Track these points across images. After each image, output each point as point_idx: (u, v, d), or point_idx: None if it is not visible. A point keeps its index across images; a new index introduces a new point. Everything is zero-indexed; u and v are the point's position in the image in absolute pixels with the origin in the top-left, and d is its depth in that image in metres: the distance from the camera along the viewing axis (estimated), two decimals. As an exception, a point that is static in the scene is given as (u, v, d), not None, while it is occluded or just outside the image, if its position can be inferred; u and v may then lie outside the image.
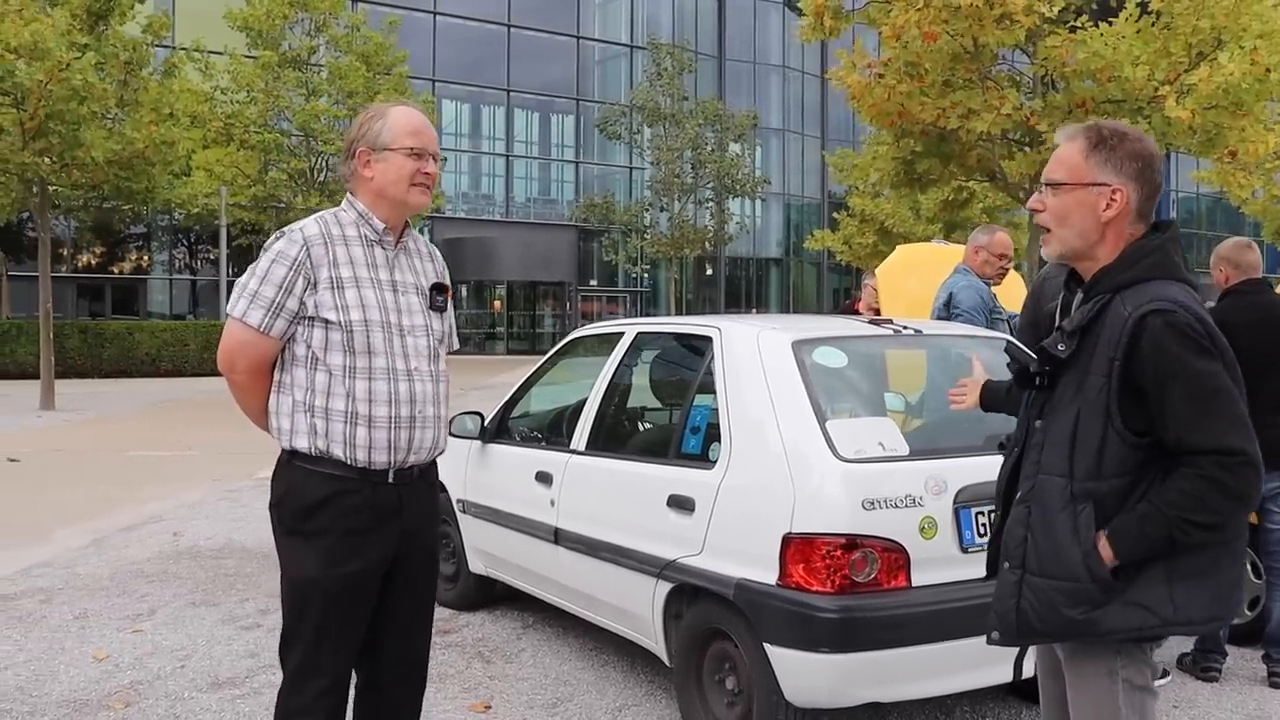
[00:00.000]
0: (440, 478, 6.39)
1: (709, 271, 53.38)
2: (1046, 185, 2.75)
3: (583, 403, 5.51)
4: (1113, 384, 2.55)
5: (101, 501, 10.15)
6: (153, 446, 14.53)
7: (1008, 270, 6.74)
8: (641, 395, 5.88)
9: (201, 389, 24.83)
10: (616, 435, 5.49)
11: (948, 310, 6.31)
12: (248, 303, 3.09)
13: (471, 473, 6.11)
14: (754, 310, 53.58)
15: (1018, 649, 4.00)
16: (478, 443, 6.06)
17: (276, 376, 3.19)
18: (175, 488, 11.03)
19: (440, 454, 3.37)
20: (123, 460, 13.25)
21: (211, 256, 41.43)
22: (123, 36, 19.99)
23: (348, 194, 3.29)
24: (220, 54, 29.97)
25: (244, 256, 40.32)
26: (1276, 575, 5.35)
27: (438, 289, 3.35)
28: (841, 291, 56.39)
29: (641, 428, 5.81)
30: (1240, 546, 2.66)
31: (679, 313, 43.35)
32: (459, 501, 6.20)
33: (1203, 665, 5.36)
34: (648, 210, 44.30)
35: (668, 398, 5.76)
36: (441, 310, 3.36)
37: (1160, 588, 2.56)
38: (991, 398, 3.46)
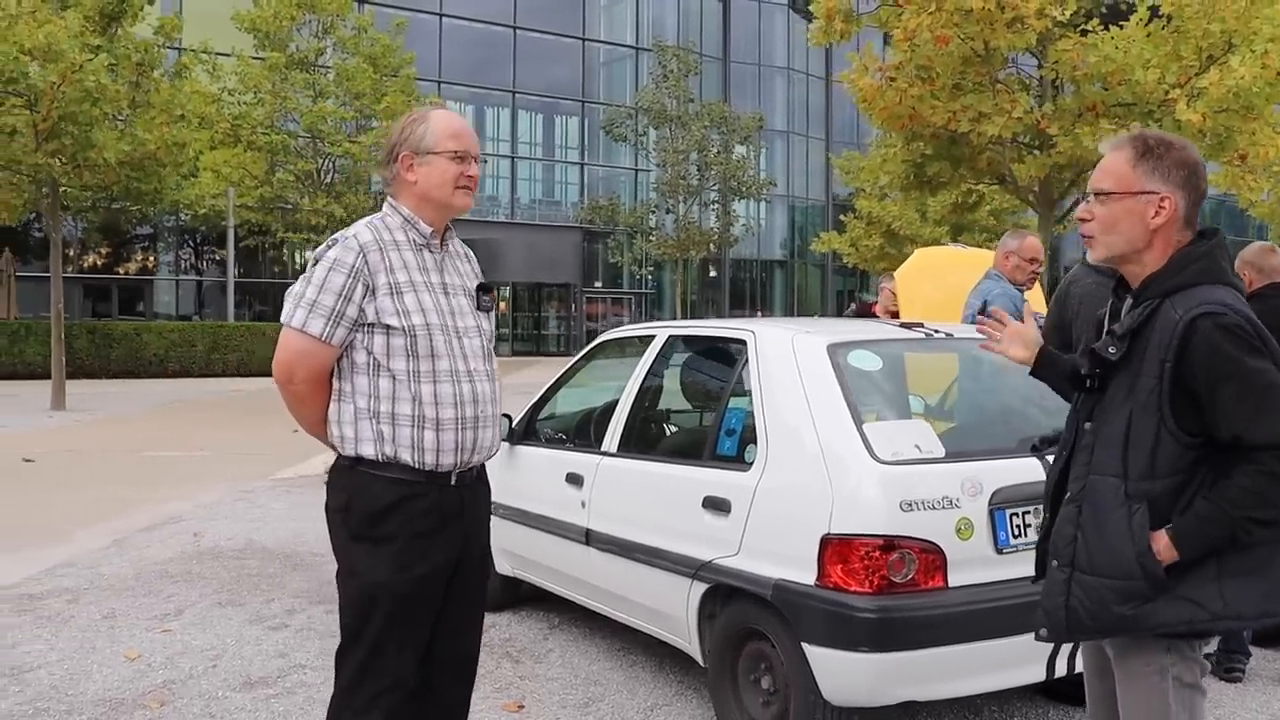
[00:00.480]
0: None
1: (713, 273, 53.42)
2: (1095, 195, 2.80)
3: (613, 405, 5.56)
4: (1164, 385, 2.61)
5: (118, 502, 10.21)
6: (165, 447, 14.59)
7: (1038, 275, 6.79)
8: (673, 398, 5.92)
9: (210, 389, 24.93)
10: (649, 437, 5.54)
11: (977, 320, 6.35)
12: (306, 312, 3.09)
13: (499, 474, 6.11)
14: (760, 312, 53.62)
15: (1051, 649, 4.07)
16: (505, 444, 6.11)
17: (336, 385, 3.19)
18: (191, 488, 11.08)
19: (496, 452, 3.41)
20: (136, 461, 13.29)
21: (217, 257, 41.52)
22: (134, 38, 20.06)
23: (388, 199, 3.30)
24: (228, 55, 30.04)
25: (251, 258, 40.45)
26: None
27: (483, 289, 3.39)
28: (845, 294, 56.38)
29: (674, 430, 5.86)
30: None
31: (683, 315, 43.37)
32: (486, 502, 6.23)
33: (1227, 666, 5.40)
34: (653, 212, 44.33)
35: (700, 401, 5.81)
36: (489, 310, 3.40)
37: (1210, 584, 2.62)
38: (1049, 367, 3.09)
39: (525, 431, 6.09)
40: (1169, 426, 2.61)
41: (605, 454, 5.33)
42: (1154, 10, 15.07)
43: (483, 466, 3.39)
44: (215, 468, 12.65)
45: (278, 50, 30.80)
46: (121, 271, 42.18)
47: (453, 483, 3.21)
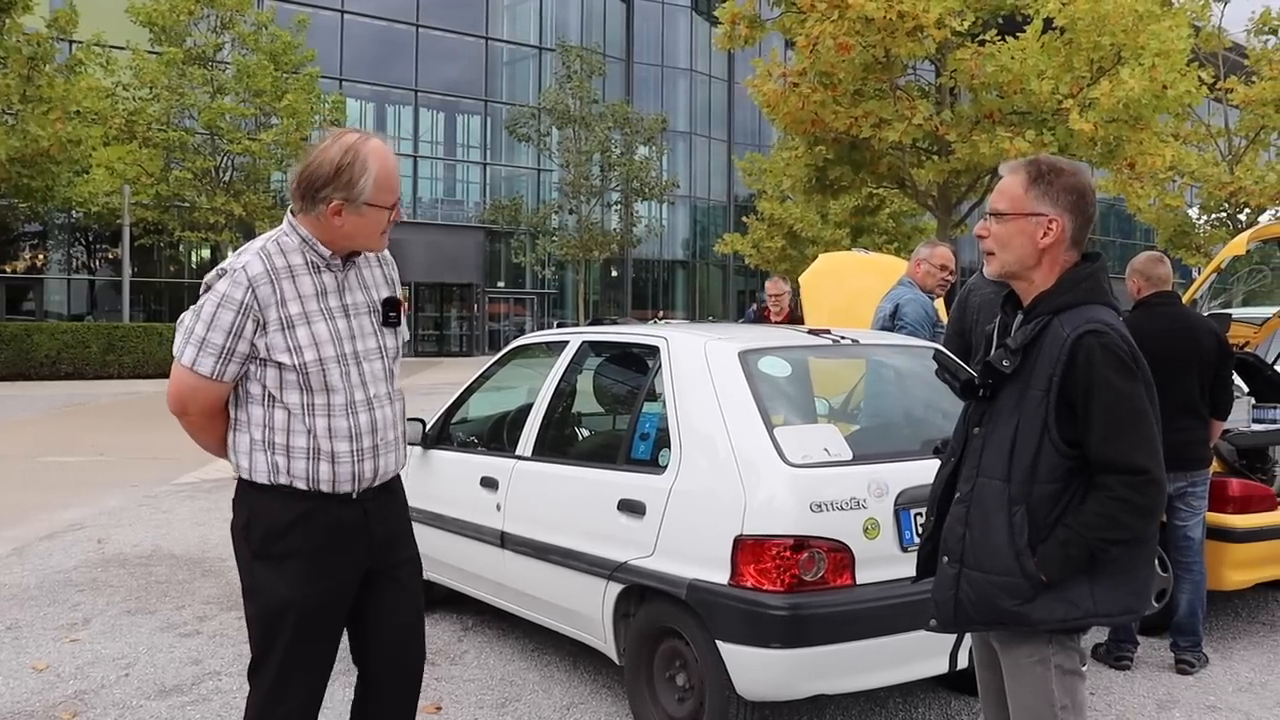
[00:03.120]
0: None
1: (615, 274, 53.56)
2: (991, 214, 2.99)
3: (527, 409, 5.63)
4: (1051, 398, 2.81)
5: (16, 509, 9.99)
6: (62, 452, 14.29)
7: (949, 283, 7.02)
8: (587, 402, 6.02)
9: (106, 392, 24.38)
10: (563, 441, 5.64)
11: (893, 321, 6.56)
12: (196, 350, 3.02)
13: (413, 478, 6.15)
14: (661, 313, 53.83)
15: (953, 643, 4.26)
16: (418, 449, 6.15)
17: (232, 414, 3.15)
18: (92, 494, 10.88)
19: (401, 469, 3.35)
20: (32, 466, 13.00)
21: (111, 256, 40.57)
22: (24, 31, 19.57)
23: (289, 216, 3.14)
24: (123, 49, 29.41)
25: (146, 256, 39.57)
26: (1183, 569, 5.67)
27: (390, 304, 3.28)
28: (747, 294, 56.93)
29: (588, 434, 5.95)
30: (1151, 547, 2.96)
31: (586, 315, 43.42)
32: (399, 506, 6.26)
33: (1116, 654, 5.67)
34: (556, 212, 44.30)
35: (614, 405, 5.91)
36: (395, 326, 3.30)
37: (1082, 585, 2.83)
38: None
39: (439, 436, 6.13)
40: (1051, 436, 2.81)
41: (520, 458, 5.41)
42: (1048, 23, 15.55)
43: (397, 477, 3.35)
44: (116, 473, 12.44)
45: (175, 45, 30.29)
46: (9, 270, 40.95)
47: (354, 498, 3.16)
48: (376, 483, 3.20)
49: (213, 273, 3.08)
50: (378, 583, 3.25)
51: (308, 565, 3.09)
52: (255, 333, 3.01)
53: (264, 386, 3.07)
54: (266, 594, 3.11)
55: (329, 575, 3.13)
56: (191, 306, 3.10)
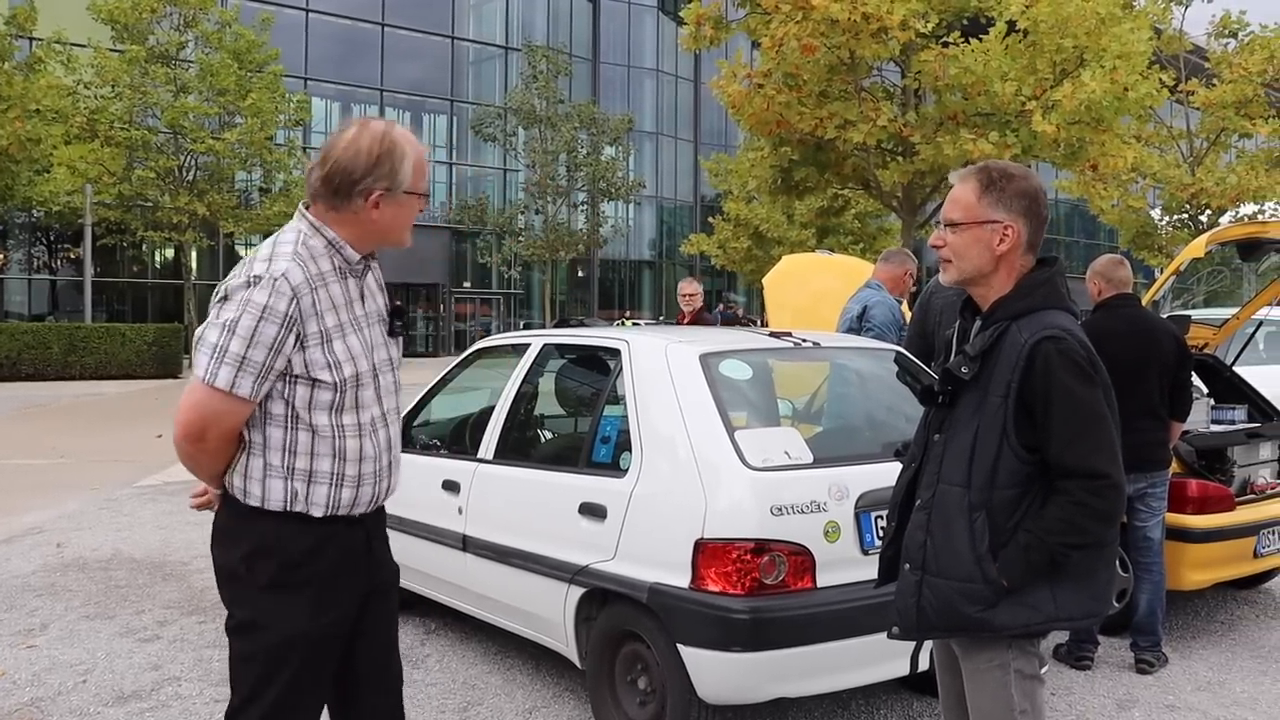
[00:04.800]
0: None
1: (582, 274, 53.51)
2: (946, 224, 2.99)
3: (488, 412, 5.61)
4: (1010, 403, 2.82)
5: (-25, 512, 9.88)
6: (21, 454, 14.12)
7: (914, 288, 7.12)
8: (549, 405, 6.01)
9: (67, 393, 24.13)
10: (525, 445, 5.62)
11: (860, 323, 6.60)
12: (234, 370, 2.69)
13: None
14: (628, 312, 53.83)
15: (914, 646, 4.27)
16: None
17: (245, 435, 2.82)
18: (52, 497, 10.76)
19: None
20: (-8, 468, 12.86)
21: (73, 256, 40.18)
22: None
23: (305, 215, 2.89)
24: (84, 46, 29.12)
25: (109, 256, 39.20)
26: (1143, 569, 5.71)
27: (396, 313, 3.08)
28: (714, 294, 57.04)
29: (550, 437, 5.94)
30: (1112, 550, 2.98)
31: (552, 316, 43.36)
32: (361, 509, 6.23)
33: (1077, 655, 5.70)
34: (522, 213, 44.20)
35: (575, 408, 5.90)
36: (399, 336, 3.09)
37: (1044, 589, 2.85)
38: None
39: (401, 438, 6.09)
40: (1010, 442, 2.82)
41: (482, 461, 5.39)
42: (1011, 25, 15.65)
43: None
44: (76, 475, 12.30)
45: (137, 43, 29.97)
46: (-33, 270, 40.53)
47: (358, 518, 2.96)
48: (384, 501, 3.05)
49: (237, 279, 2.76)
50: (368, 602, 3.05)
51: (319, 594, 2.87)
52: (294, 347, 2.74)
53: (289, 405, 2.79)
54: (275, 628, 2.84)
55: (340, 602, 2.92)
56: (210, 321, 2.77)
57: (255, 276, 2.73)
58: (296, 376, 2.78)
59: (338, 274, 2.87)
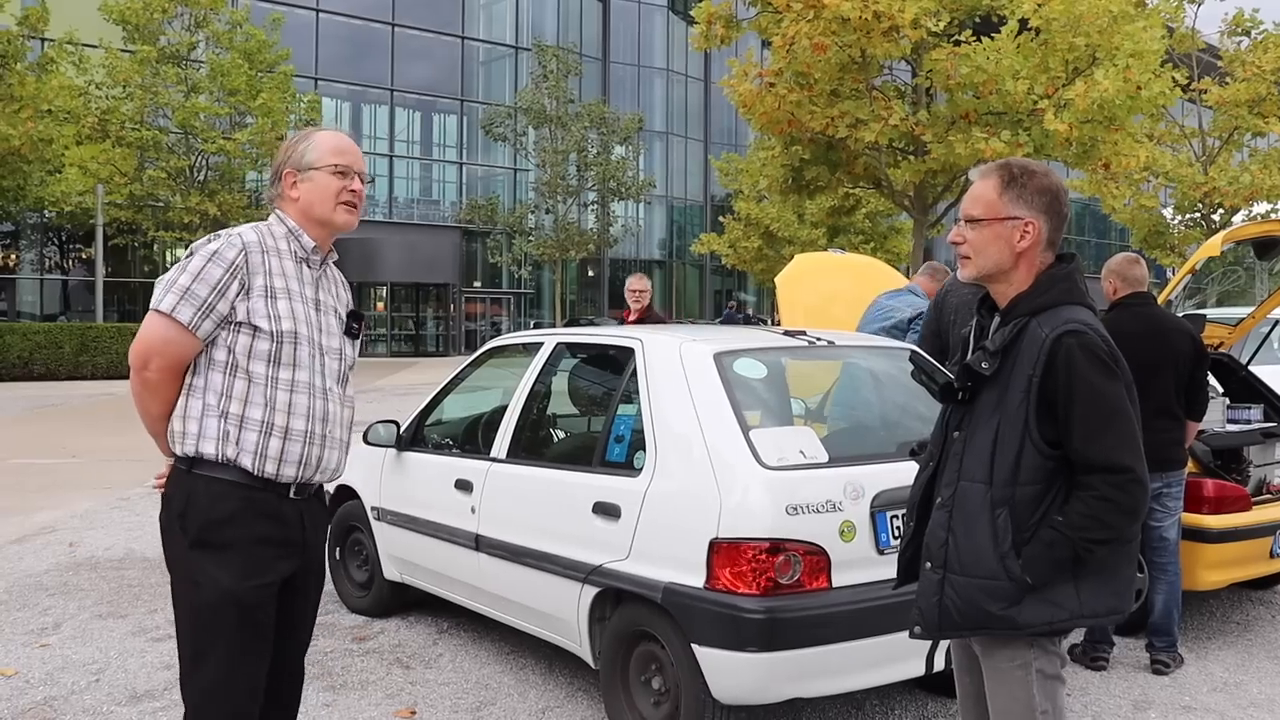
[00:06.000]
0: (353, 485, 6.44)
1: (592, 274, 53.53)
2: (965, 220, 2.96)
3: (501, 411, 5.60)
4: (1031, 398, 2.80)
5: (-13, 511, 9.90)
6: (34, 454, 14.16)
7: None
8: (562, 404, 6.00)
9: (80, 393, 24.17)
10: (538, 444, 5.61)
11: (909, 325, 6.66)
12: (177, 298, 2.99)
13: (387, 480, 6.16)
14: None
15: (930, 646, 4.25)
16: (392, 451, 6.11)
17: (188, 379, 3.10)
18: (64, 497, 10.78)
19: (338, 478, 3.36)
20: (5, 469, 12.87)
21: (84, 256, 40.31)
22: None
23: (275, 210, 3.26)
24: (95, 47, 29.19)
25: (120, 256, 39.32)
26: (1159, 570, 5.68)
27: (354, 316, 3.36)
28: (724, 294, 57.05)
29: (563, 436, 5.93)
30: (1134, 546, 2.96)
31: (562, 315, 43.39)
32: (373, 509, 6.24)
33: (1092, 655, 5.67)
34: (532, 212, 44.24)
35: (589, 407, 5.89)
36: (355, 337, 3.36)
37: (1068, 586, 2.82)
38: None
39: (413, 438, 6.10)
40: (1033, 437, 2.80)
41: (495, 460, 5.37)
42: (1023, 23, 15.61)
43: (321, 487, 3.34)
44: (89, 475, 12.33)
45: (148, 43, 30.07)
46: (-20, 270, 40.66)
47: (291, 495, 3.15)
48: (317, 477, 3.20)
49: (201, 240, 3.11)
50: (288, 592, 3.18)
51: (245, 558, 3.03)
52: (238, 295, 3.03)
53: (230, 352, 3.05)
54: (207, 586, 3.01)
55: (270, 569, 3.08)
56: (175, 266, 3.10)
57: (216, 234, 3.13)
58: (239, 324, 3.05)
59: (293, 256, 3.21)
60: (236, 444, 3.04)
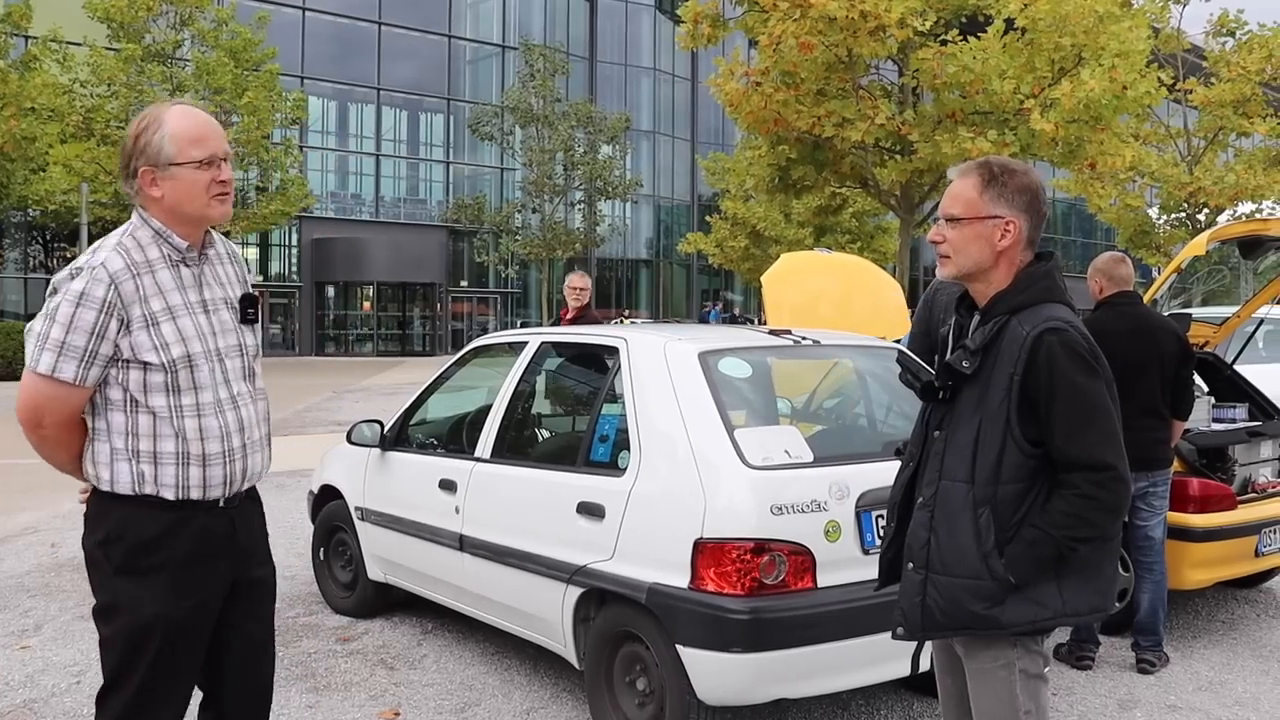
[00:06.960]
0: (337, 485, 6.41)
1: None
2: (945, 219, 2.95)
3: (485, 411, 5.57)
4: (1012, 397, 2.79)
5: (-33, 512, 9.82)
6: (15, 454, 13.95)
7: None
8: (546, 404, 5.97)
9: (62, 392, 23.97)
10: (522, 443, 5.58)
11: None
12: (55, 355, 2.79)
13: (370, 480, 6.12)
14: (626, 311, 53.82)
15: (915, 646, 4.24)
16: (376, 451, 6.08)
17: (90, 422, 2.94)
18: (47, 497, 10.68)
19: (267, 473, 3.22)
20: (-14, 468, 12.80)
21: (69, 255, 40.03)
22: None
23: (136, 209, 2.98)
24: (79, 45, 29.05)
25: (104, 255, 39.01)
26: (1144, 569, 5.68)
27: (247, 301, 3.14)
28: (711, 293, 57.07)
29: (547, 436, 5.90)
30: (1116, 545, 2.94)
31: (549, 315, 43.34)
32: (357, 509, 6.20)
33: (1078, 654, 5.67)
34: (519, 211, 44.16)
35: (573, 407, 5.86)
36: (253, 323, 3.16)
37: (1050, 585, 2.81)
38: None
39: (397, 438, 6.06)
40: (1014, 435, 2.79)
41: (479, 460, 5.35)
42: (1010, 23, 15.64)
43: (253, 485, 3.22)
44: (70, 476, 12.20)
45: (133, 41, 29.91)
46: (-38, 269, 40.40)
47: (220, 505, 3.02)
48: (245, 485, 3.08)
49: (62, 273, 2.86)
50: (233, 596, 3.09)
51: (175, 579, 2.92)
52: (119, 332, 2.83)
53: (125, 390, 2.88)
54: (130, 612, 2.90)
55: (198, 589, 2.97)
56: (40, 313, 2.88)
57: (76, 268, 2.85)
58: (127, 361, 2.85)
59: (167, 261, 2.95)
60: (155, 482, 2.90)
